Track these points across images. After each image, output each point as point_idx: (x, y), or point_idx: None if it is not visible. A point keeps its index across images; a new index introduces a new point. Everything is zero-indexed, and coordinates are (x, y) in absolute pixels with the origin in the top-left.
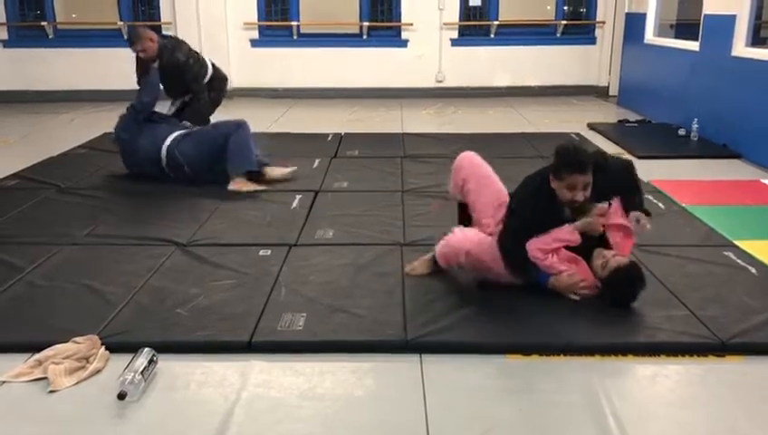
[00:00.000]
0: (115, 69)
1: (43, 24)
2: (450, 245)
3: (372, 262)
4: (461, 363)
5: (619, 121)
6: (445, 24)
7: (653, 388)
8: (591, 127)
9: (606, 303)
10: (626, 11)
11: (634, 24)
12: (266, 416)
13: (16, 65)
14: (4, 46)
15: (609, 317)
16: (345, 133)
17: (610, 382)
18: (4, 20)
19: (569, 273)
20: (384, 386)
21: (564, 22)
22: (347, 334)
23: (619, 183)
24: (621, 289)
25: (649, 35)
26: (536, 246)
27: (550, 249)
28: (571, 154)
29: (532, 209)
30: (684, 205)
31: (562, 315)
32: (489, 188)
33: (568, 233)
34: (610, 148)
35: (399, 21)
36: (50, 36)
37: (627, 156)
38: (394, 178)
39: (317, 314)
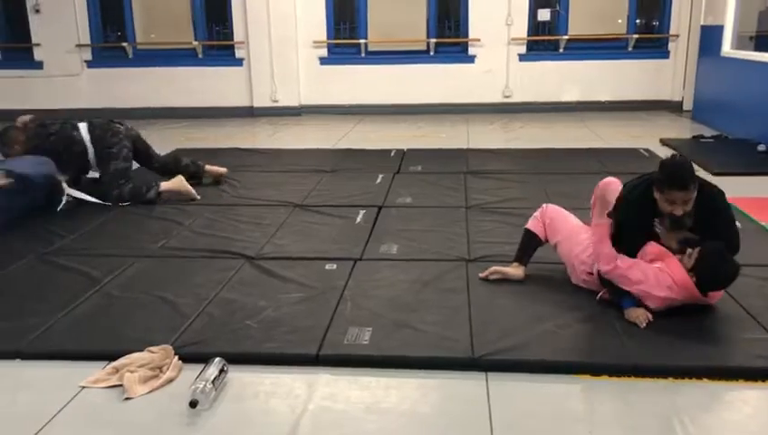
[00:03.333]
0: (189, 87)
1: (123, 44)
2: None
3: (437, 278)
4: (528, 383)
5: (694, 137)
6: (513, 39)
7: (730, 414)
8: (664, 143)
9: (703, 290)
10: (701, 23)
11: (710, 36)
12: (332, 429)
13: (98, 84)
14: (88, 66)
15: (684, 338)
16: (408, 149)
17: (684, 406)
18: (88, 41)
19: (645, 314)
20: (449, 403)
21: (636, 35)
22: (412, 350)
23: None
24: (710, 271)
25: (726, 48)
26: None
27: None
28: (673, 168)
29: (635, 216)
30: (763, 223)
31: (634, 335)
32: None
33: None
34: None
35: (467, 37)
36: (129, 56)
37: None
38: (457, 194)
39: (382, 329)
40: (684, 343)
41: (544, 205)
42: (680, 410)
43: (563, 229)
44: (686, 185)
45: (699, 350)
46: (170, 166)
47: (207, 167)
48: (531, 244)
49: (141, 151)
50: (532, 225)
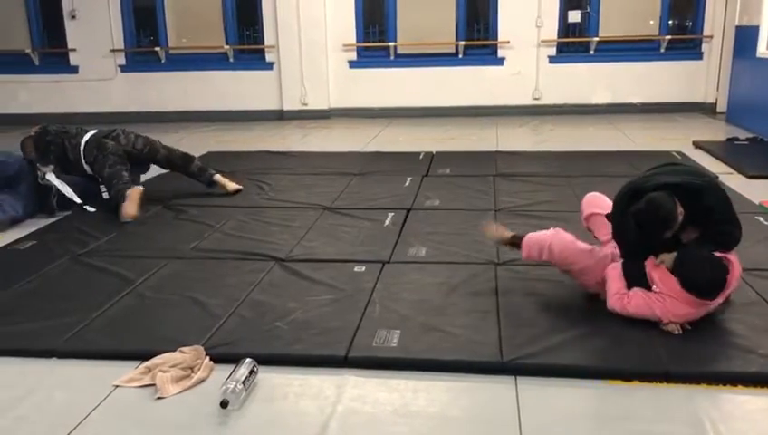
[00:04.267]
0: (220, 90)
1: (156, 49)
2: (537, 238)
3: (466, 281)
4: (558, 387)
5: (728, 139)
6: (543, 41)
7: (766, 422)
8: (697, 145)
9: (701, 296)
10: (736, 24)
11: (745, 37)
12: (360, 431)
13: (132, 88)
14: (122, 70)
15: (717, 344)
16: (436, 152)
17: (717, 414)
18: (122, 46)
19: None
20: (479, 407)
21: (669, 37)
22: (441, 353)
23: (709, 207)
24: (691, 280)
25: (763, 49)
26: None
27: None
28: (646, 217)
29: (627, 228)
30: None
31: (666, 340)
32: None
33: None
34: (717, 167)
35: (496, 39)
36: (162, 60)
37: (735, 175)
38: (486, 197)
39: (411, 332)
40: (717, 349)
41: (548, 243)
42: (713, 417)
43: (579, 262)
44: (658, 233)
45: (733, 356)
46: (178, 163)
47: (219, 178)
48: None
49: (146, 157)
50: (526, 246)
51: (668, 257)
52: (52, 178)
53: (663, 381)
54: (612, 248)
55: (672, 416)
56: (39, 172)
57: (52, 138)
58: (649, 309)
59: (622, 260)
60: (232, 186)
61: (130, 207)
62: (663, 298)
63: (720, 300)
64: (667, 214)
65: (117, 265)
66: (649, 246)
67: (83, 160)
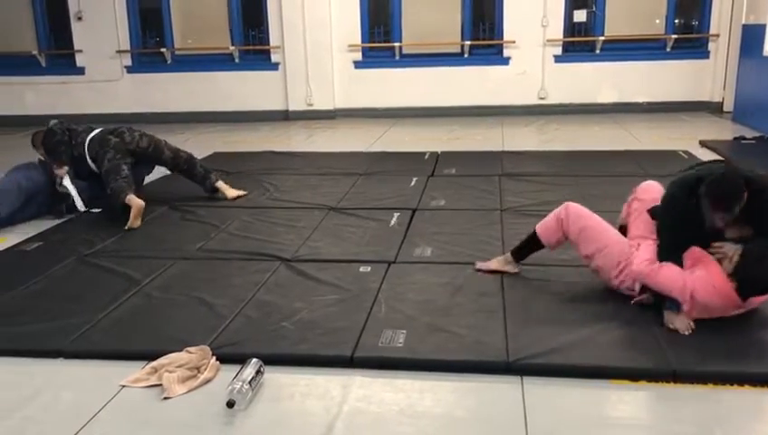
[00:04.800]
0: (226, 91)
1: (162, 50)
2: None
3: (471, 281)
4: (564, 388)
5: (735, 138)
6: (548, 40)
7: None
8: (704, 144)
9: (743, 294)
10: (743, 22)
11: (752, 35)
12: (366, 431)
13: (138, 89)
14: (128, 72)
15: (725, 344)
16: (442, 152)
17: (725, 414)
18: (128, 47)
19: (686, 322)
20: (484, 408)
21: (675, 36)
22: (447, 354)
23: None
24: (750, 274)
25: None
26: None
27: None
28: (719, 190)
29: (682, 215)
30: None
31: (673, 340)
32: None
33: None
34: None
35: (501, 39)
36: (168, 61)
37: None
38: (492, 197)
39: (417, 332)
40: (725, 349)
41: (564, 207)
42: (721, 417)
43: (599, 242)
44: (730, 208)
45: (741, 356)
46: (182, 166)
47: (220, 184)
48: (532, 246)
49: (150, 156)
50: (544, 232)
51: (731, 248)
52: (68, 184)
53: (670, 381)
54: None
55: (679, 416)
56: (56, 178)
57: (59, 137)
58: (681, 282)
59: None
60: (232, 193)
61: (134, 222)
62: (700, 279)
63: (749, 306)
64: (739, 190)
65: (123, 266)
66: (695, 236)
67: (87, 157)
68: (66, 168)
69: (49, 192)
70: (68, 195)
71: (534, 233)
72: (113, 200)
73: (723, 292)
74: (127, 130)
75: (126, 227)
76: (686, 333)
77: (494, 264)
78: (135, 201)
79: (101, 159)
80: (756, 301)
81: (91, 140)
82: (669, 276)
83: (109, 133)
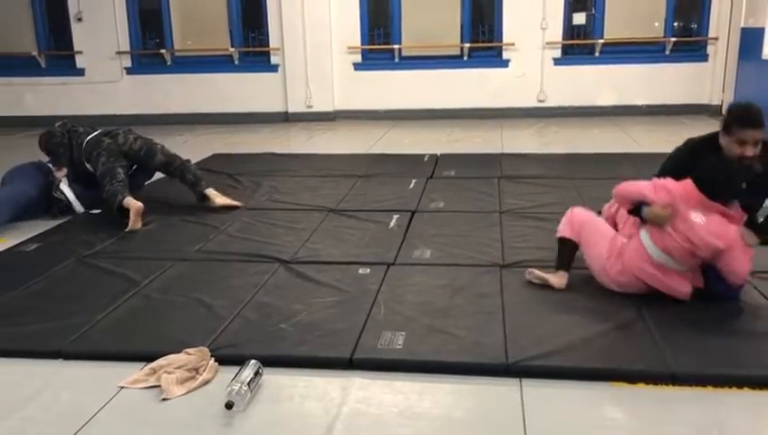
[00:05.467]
0: (225, 92)
1: (161, 51)
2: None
3: (471, 283)
4: (563, 390)
5: None
6: (547, 43)
7: None
8: None
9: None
10: (741, 26)
11: (751, 38)
12: (365, 432)
13: (138, 90)
14: (128, 73)
15: (724, 346)
16: (441, 154)
17: (724, 417)
18: (128, 49)
19: (663, 205)
20: (483, 409)
21: (674, 39)
22: (446, 355)
23: None
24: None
25: None
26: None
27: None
28: (744, 109)
29: (689, 155)
30: None
31: (672, 342)
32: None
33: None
34: None
35: (501, 41)
36: (168, 63)
37: None
38: (491, 199)
39: (416, 334)
40: (724, 351)
41: (570, 210)
42: (720, 420)
43: (593, 236)
44: (758, 123)
45: (740, 358)
46: (174, 173)
47: (209, 192)
48: (567, 250)
49: (142, 160)
50: (564, 231)
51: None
52: (65, 188)
53: (669, 383)
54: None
55: (678, 419)
56: (54, 181)
57: (58, 139)
58: (650, 184)
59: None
60: (220, 201)
61: (135, 224)
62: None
63: (703, 248)
64: (759, 110)
65: (123, 267)
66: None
67: (84, 159)
68: (65, 170)
69: (45, 196)
70: (62, 200)
71: (559, 239)
72: (110, 204)
73: (688, 188)
74: (122, 133)
75: (127, 230)
76: (666, 212)
77: (549, 278)
78: (133, 203)
79: (95, 161)
80: (735, 273)
81: (87, 142)
82: (636, 183)
83: (104, 135)
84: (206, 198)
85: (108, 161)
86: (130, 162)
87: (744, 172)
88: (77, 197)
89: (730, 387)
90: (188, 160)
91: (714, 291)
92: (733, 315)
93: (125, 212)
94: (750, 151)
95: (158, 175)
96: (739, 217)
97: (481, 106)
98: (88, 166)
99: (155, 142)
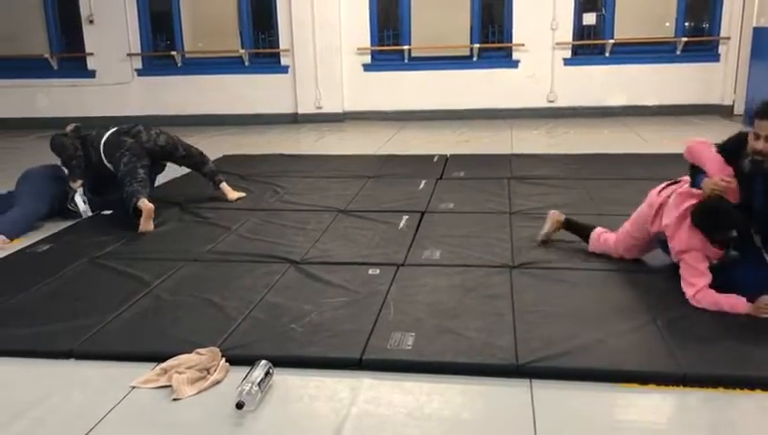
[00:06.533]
0: (235, 94)
1: (172, 53)
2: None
3: (480, 284)
4: (573, 391)
5: None
6: (558, 43)
7: None
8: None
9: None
10: (753, 25)
11: (763, 38)
12: (374, 433)
13: (148, 92)
14: (139, 75)
15: (735, 347)
16: (451, 155)
17: (736, 419)
18: (138, 50)
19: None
20: (493, 411)
21: (685, 39)
22: (455, 356)
23: None
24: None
25: None
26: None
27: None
28: (765, 102)
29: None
30: None
31: (684, 343)
32: None
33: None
34: None
35: (511, 42)
36: (178, 65)
37: None
38: (501, 200)
39: (425, 335)
40: (735, 353)
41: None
42: (732, 422)
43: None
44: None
45: (752, 359)
46: (194, 162)
47: (223, 186)
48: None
49: (166, 154)
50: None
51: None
52: (78, 200)
53: (680, 384)
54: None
55: (689, 421)
56: (69, 193)
57: (71, 152)
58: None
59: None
60: (233, 195)
61: (146, 225)
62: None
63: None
64: None
65: (134, 268)
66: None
67: (104, 160)
68: (80, 181)
69: (57, 205)
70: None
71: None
72: (127, 205)
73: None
74: (143, 129)
75: (139, 231)
76: (724, 183)
77: (549, 220)
78: (145, 205)
79: (117, 162)
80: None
81: (105, 143)
82: (708, 152)
83: (123, 134)
84: (220, 190)
85: (130, 162)
86: (152, 158)
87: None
88: (89, 203)
89: (741, 389)
90: (203, 154)
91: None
92: (743, 317)
93: (139, 213)
94: (760, 145)
95: (169, 174)
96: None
97: (491, 107)
98: (109, 166)
99: (173, 136)
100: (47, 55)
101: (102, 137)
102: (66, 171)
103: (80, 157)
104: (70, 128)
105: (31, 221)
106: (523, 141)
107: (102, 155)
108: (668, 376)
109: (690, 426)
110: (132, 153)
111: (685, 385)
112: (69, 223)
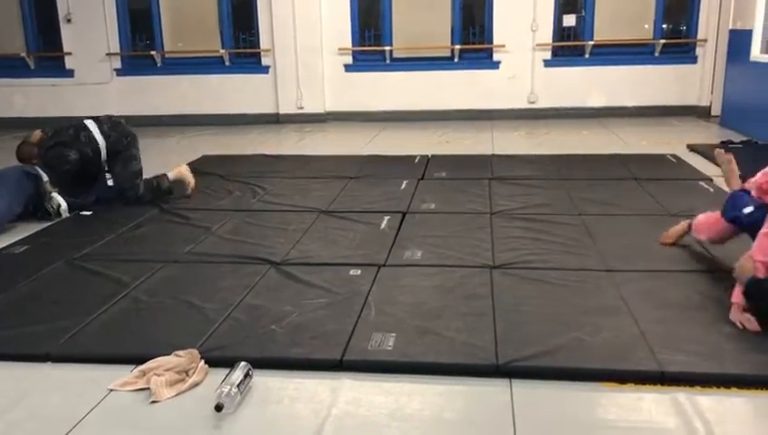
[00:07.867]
0: (216, 94)
1: (152, 52)
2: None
3: (461, 284)
4: (553, 391)
5: (722, 142)
6: (538, 45)
7: (762, 425)
8: (692, 148)
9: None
10: (730, 28)
11: (739, 40)
12: (355, 433)
13: (128, 92)
14: (118, 74)
15: (715, 345)
16: (432, 155)
17: (713, 416)
18: (118, 50)
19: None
20: (473, 411)
21: (663, 41)
22: (436, 356)
23: None
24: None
25: (756, 52)
26: None
27: None
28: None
29: None
30: None
31: (665, 342)
32: None
33: None
34: (712, 170)
35: (491, 43)
36: (158, 64)
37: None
38: (482, 200)
39: (407, 335)
40: (714, 351)
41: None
42: (709, 419)
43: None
44: None
45: (729, 358)
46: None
47: (173, 174)
48: None
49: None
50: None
51: None
52: (60, 200)
53: (658, 383)
54: None
55: (667, 419)
56: (45, 192)
57: (69, 167)
58: None
59: None
60: (185, 172)
61: (190, 180)
62: None
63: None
64: None
65: (112, 269)
66: None
67: (104, 154)
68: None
69: (32, 205)
70: (48, 211)
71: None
72: (157, 194)
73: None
74: (123, 121)
75: (191, 190)
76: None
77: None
78: (179, 170)
79: (133, 152)
80: None
81: (103, 133)
82: None
83: (118, 125)
84: (177, 180)
85: (139, 158)
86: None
87: None
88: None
89: (719, 387)
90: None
91: None
92: (723, 316)
93: (168, 190)
94: None
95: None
96: None
97: (472, 107)
98: (103, 161)
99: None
100: (24, 54)
101: (89, 129)
102: (47, 177)
103: (68, 171)
104: (39, 134)
105: (4, 222)
106: (503, 142)
107: (105, 149)
108: (647, 374)
109: (668, 424)
110: (137, 148)
111: (663, 384)
112: (44, 225)
